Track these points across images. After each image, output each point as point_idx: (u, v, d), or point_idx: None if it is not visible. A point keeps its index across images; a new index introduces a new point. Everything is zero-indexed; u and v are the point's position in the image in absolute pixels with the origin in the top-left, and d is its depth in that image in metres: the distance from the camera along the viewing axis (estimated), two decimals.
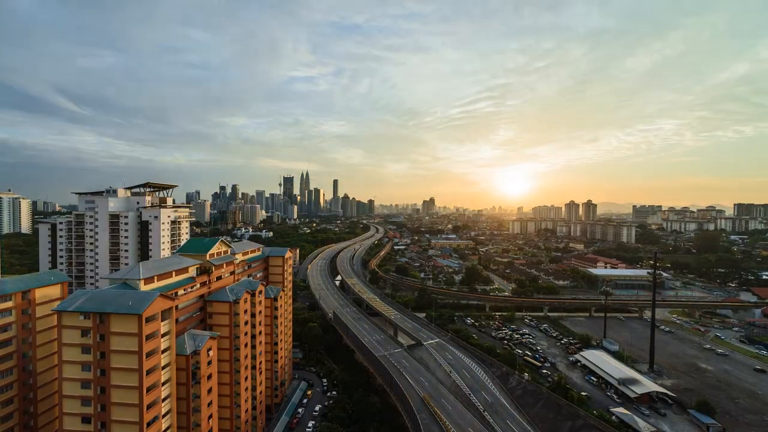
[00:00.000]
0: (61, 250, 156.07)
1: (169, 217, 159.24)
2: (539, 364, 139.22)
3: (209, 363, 74.25)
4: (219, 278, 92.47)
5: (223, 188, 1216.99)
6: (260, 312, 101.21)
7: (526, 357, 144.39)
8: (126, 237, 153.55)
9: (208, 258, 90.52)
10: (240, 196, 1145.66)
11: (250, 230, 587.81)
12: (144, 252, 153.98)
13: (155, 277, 70.21)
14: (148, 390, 60.49)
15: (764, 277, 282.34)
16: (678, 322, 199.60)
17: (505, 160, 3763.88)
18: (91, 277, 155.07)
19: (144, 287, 66.83)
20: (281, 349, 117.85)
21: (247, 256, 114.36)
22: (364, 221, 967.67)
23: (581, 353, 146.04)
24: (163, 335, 64.26)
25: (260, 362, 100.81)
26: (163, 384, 64.71)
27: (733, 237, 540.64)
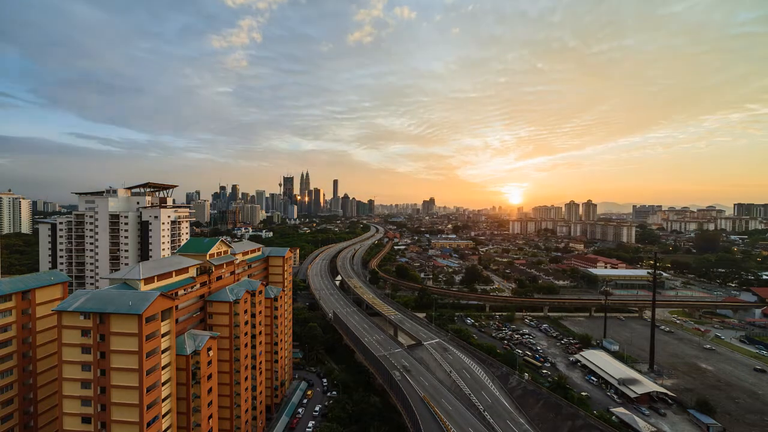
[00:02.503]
0: (61, 250, 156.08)
1: (169, 217, 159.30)
2: (539, 364, 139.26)
3: (209, 363, 74.25)
4: (219, 278, 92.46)
5: (223, 188, 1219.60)
6: (260, 312, 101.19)
7: (526, 357, 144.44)
8: (126, 237, 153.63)
9: (208, 258, 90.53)
10: (240, 196, 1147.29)
11: (250, 230, 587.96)
12: (144, 252, 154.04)
13: (155, 277, 70.21)
14: (148, 390, 60.50)
15: (764, 277, 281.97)
16: (678, 322, 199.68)
17: (507, 163, 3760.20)
18: (91, 277, 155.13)
19: (144, 287, 66.83)
20: (281, 349, 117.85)
21: (247, 256, 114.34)
22: (364, 221, 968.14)
23: (581, 353, 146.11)
24: (163, 335, 64.28)
25: (260, 362, 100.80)
26: (163, 384, 64.72)
27: (733, 237, 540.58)
